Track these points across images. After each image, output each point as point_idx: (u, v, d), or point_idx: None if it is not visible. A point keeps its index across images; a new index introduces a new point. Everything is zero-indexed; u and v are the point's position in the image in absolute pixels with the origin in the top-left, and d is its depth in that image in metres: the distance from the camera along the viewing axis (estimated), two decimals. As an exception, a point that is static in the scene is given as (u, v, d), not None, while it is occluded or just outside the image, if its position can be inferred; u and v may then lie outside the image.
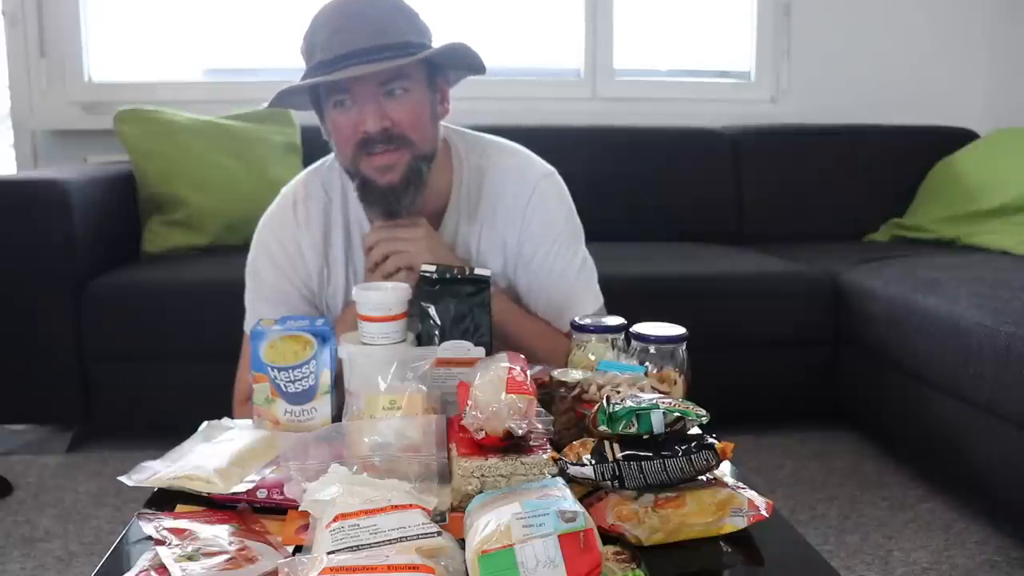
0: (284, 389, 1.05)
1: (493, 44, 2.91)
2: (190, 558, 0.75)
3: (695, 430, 0.87)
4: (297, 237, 1.33)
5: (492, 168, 1.35)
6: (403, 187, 1.23)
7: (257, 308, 1.33)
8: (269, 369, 1.04)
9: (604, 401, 0.88)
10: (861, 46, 3.15)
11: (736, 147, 2.89)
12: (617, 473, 0.83)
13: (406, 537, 0.72)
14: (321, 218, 1.34)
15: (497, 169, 1.35)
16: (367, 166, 1.22)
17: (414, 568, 0.67)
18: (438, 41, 1.25)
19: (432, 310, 1.11)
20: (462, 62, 1.27)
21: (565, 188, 1.39)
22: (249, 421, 1.08)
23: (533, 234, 1.34)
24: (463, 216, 1.34)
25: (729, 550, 0.83)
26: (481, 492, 0.83)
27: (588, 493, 0.86)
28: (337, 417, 1.05)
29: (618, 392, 0.94)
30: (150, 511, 0.87)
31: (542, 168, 1.38)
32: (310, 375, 1.05)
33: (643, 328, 1.08)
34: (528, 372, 0.95)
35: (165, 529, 0.81)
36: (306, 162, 2.21)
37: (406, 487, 0.82)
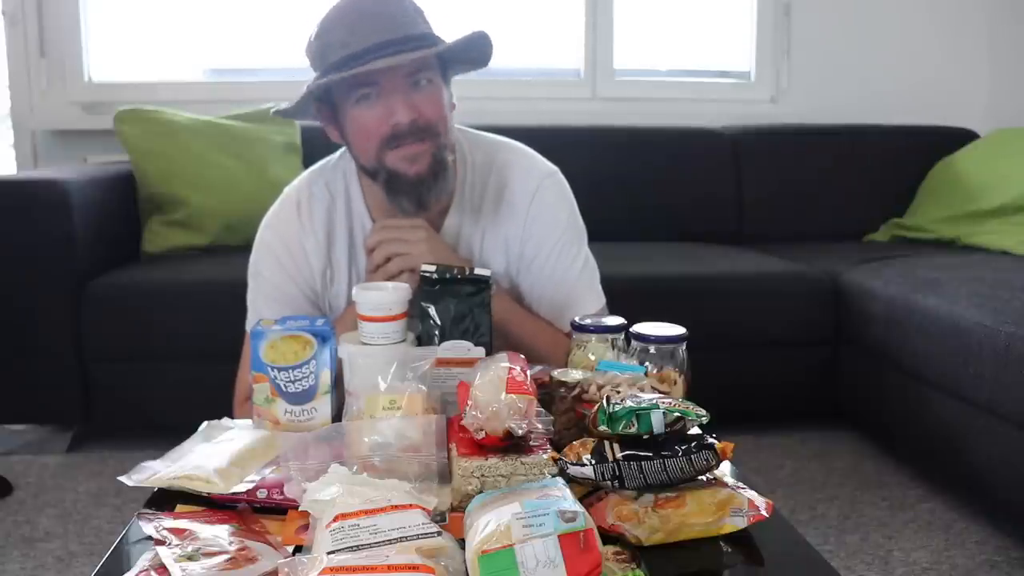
0: (284, 389, 1.05)
1: (494, 44, 2.89)
2: (190, 558, 0.75)
3: (695, 430, 0.87)
4: (301, 238, 1.33)
5: (495, 167, 1.35)
6: (432, 176, 1.22)
7: (260, 308, 1.33)
8: (269, 369, 1.04)
9: (604, 401, 0.88)
10: (861, 46, 3.15)
11: (736, 147, 2.89)
12: (617, 473, 0.83)
13: (406, 537, 0.72)
14: (324, 218, 1.34)
15: (500, 168, 1.35)
16: (393, 159, 1.21)
17: (414, 568, 0.67)
18: (442, 36, 1.25)
19: (432, 310, 1.11)
20: (471, 55, 1.27)
21: (568, 188, 1.39)
22: (249, 421, 1.08)
23: (535, 233, 1.34)
24: (466, 215, 1.34)
25: (729, 550, 0.83)
26: (481, 492, 0.83)
27: (588, 493, 0.86)
28: (337, 417, 1.05)
29: (618, 392, 0.94)
30: (150, 511, 0.87)
31: (545, 167, 1.38)
32: (310, 375, 1.05)
33: (643, 328, 1.08)
34: (528, 372, 0.95)
35: (165, 529, 0.81)
36: (306, 162, 2.22)
37: (406, 487, 0.82)
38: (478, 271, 1.14)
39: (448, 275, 1.12)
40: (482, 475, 0.85)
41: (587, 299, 1.36)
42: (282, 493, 0.88)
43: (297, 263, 1.33)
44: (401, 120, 1.19)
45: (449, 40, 1.22)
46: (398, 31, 1.17)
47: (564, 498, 0.75)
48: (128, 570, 0.75)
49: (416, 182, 1.22)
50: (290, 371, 1.04)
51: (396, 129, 1.19)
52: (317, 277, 1.34)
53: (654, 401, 0.86)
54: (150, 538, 0.80)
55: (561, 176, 1.39)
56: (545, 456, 0.86)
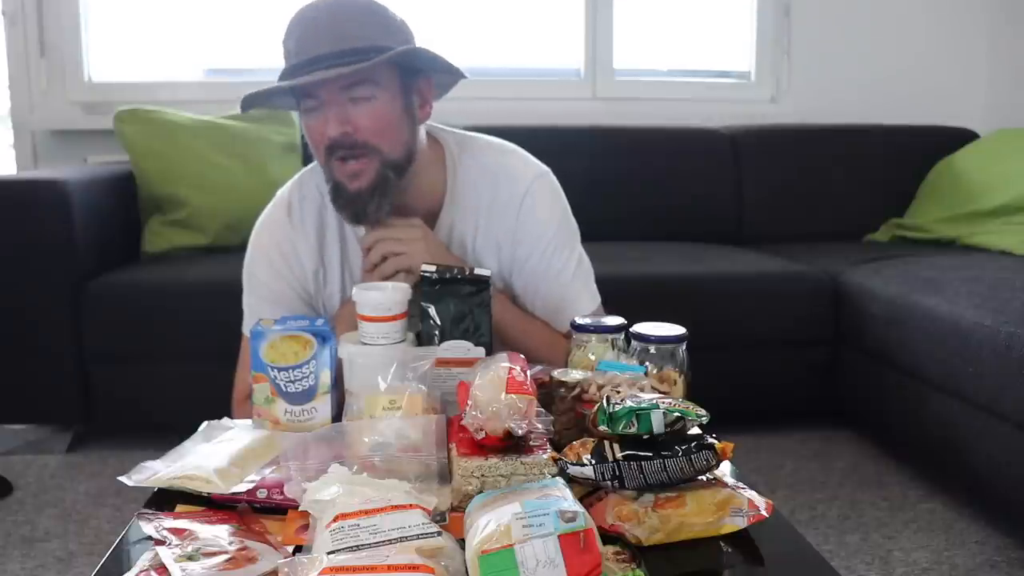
0: (284, 389, 1.05)
1: (494, 44, 2.90)
2: (190, 558, 0.75)
3: (695, 430, 0.87)
4: (292, 238, 1.33)
5: (486, 168, 1.34)
6: (369, 194, 1.22)
7: (255, 310, 1.32)
8: (269, 369, 1.04)
9: (604, 401, 0.88)
10: (861, 46, 3.15)
11: (736, 147, 2.89)
12: (617, 473, 0.83)
13: (406, 537, 0.72)
14: (316, 219, 1.34)
15: (490, 169, 1.34)
16: (338, 171, 1.22)
17: (414, 568, 0.67)
18: (420, 43, 1.23)
19: (432, 310, 1.11)
20: (435, 65, 1.25)
21: (559, 188, 1.38)
22: (249, 421, 1.08)
23: (527, 235, 1.33)
24: (457, 217, 1.33)
25: (729, 550, 0.83)
26: (481, 492, 0.83)
27: (588, 493, 0.86)
28: (337, 417, 1.05)
29: (618, 392, 0.94)
30: (150, 511, 0.87)
31: (536, 168, 1.37)
32: (310, 375, 1.05)
33: (643, 328, 1.08)
34: (528, 372, 0.95)
35: (165, 529, 0.81)
36: (306, 162, 2.21)
37: (406, 487, 0.82)
38: (478, 271, 1.14)
39: (448, 275, 1.12)
40: (482, 475, 0.85)
41: (582, 299, 1.36)
42: (282, 493, 0.88)
43: (290, 264, 1.33)
44: (331, 134, 1.18)
45: (391, 53, 1.17)
46: (341, 43, 1.16)
47: (564, 498, 0.75)
48: (128, 570, 0.75)
49: (354, 197, 1.22)
50: (290, 371, 1.04)
51: (331, 142, 1.19)
52: (310, 278, 1.34)
53: (654, 401, 0.86)
54: (150, 538, 0.80)
55: (552, 176, 1.38)
56: (545, 456, 0.86)
